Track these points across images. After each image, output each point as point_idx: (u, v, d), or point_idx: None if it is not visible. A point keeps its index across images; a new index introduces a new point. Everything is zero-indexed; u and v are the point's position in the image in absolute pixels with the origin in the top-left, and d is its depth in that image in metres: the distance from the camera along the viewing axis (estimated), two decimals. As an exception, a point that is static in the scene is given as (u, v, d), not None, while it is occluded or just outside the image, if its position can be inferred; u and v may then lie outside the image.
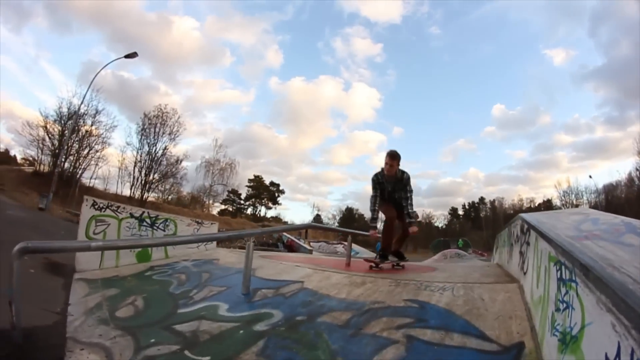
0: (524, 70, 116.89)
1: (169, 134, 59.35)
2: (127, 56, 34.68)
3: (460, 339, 3.73)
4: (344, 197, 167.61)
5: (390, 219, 7.95)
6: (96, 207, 8.08)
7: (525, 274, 4.91)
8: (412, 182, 8.07)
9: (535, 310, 3.79)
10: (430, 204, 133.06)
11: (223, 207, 78.76)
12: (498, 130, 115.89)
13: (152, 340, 4.11)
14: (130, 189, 57.65)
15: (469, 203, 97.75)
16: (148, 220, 8.65)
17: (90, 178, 54.68)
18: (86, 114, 48.62)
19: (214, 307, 4.99)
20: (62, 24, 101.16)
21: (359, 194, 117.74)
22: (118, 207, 8.42)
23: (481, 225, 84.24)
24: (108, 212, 8.20)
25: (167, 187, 62.48)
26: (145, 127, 58.36)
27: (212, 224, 10.11)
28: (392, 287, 5.43)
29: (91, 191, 48.19)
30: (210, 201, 73.39)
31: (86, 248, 4.56)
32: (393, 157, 7.68)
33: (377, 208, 7.93)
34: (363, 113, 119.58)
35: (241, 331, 4.26)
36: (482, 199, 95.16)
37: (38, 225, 16.44)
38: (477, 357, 3.43)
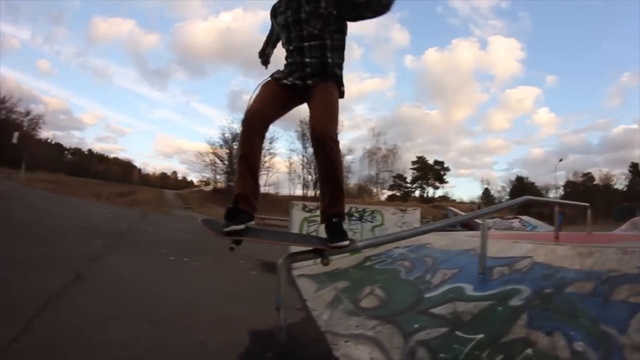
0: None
1: (329, 132, 62.33)
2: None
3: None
4: (509, 165, 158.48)
5: (252, 116, 3.69)
6: (306, 209, 8.75)
7: None
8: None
9: None
10: (605, 161, 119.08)
11: (390, 193, 79.26)
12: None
13: (416, 326, 4.16)
14: (302, 189, 61.76)
15: (652, 155, 79.88)
16: (356, 215, 9.08)
17: (264, 186, 59.58)
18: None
19: (459, 288, 4.97)
20: (197, 71, 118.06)
21: (526, 160, 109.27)
22: (326, 207, 8.85)
23: (672, 183, 71.66)
24: (318, 212, 8.58)
25: (335, 181, 65.42)
26: (304, 131, 61.96)
27: (414, 209, 10.17)
28: (621, 256, 5.11)
29: (267, 197, 52.75)
30: (378, 189, 74.72)
31: (353, 249, 4.84)
32: None
33: (268, 51, 4.66)
34: (509, 68, 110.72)
35: (499, 308, 4.20)
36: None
37: (232, 233, 17.95)
38: None
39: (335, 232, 3.71)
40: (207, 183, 66.79)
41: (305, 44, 3.79)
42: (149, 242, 11.04)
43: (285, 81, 3.83)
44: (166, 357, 3.50)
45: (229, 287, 6.59)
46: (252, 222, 3.69)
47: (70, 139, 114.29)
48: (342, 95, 4.02)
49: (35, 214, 14.52)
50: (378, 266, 7.10)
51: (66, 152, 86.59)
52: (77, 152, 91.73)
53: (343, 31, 3.87)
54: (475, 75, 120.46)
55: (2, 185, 28.29)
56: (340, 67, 3.94)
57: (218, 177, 61.92)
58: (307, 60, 3.81)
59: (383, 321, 4.51)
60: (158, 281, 6.32)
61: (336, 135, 3.64)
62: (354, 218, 9.00)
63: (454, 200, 78.97)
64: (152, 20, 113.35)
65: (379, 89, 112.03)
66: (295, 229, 8.52)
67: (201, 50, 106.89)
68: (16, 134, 46.54)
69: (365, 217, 9.13)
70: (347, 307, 5.29)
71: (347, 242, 3.72)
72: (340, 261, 7.42)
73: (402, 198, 77.16)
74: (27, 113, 70.08)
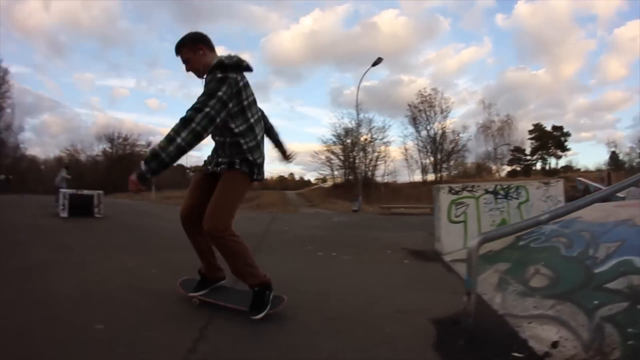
0: None
1: (440, 112, 61.34)
2: (374, 64, 37.54)
3: None
4: (635, 121, 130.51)
5: (184, 215, 4.48)
6: (452, 192, 8.82)
7: None
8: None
9: None
10: None
11: (510, 168, 74.86)
12: None
13: (596, 302, 4.13)
14: (422, 173, 61.62)
15: None
16: (502, 192, 9.01)
17: (383, 175, 60.23)
18: (360, 126, 53.83)
19: (628, 261, 4.79)
20: (294, 77, 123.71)
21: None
22: (473, 186, 9.03)
23: None
24: (464, 193, 8.83)
25: (452, 163, 64.16)
26: (415, 115, 61.63)
27: (557, 181, 9.87)
28: None
29: (388, 186, 53.64)
30: (497, 164, 71.75)
31: (536, 224, 4.86)
32: (178, 48, 4.30)
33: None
34: (611, 2, 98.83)
35: (675, 278, 4.07)
36: None
37: (362, 223, 18.65)
38: None
39: (254, 302, 4.10)
40: (324, 180, 68.50)
41: (215, 138, 4.25)
42: (290, 241, 11.43)
43: (208, 168, 4.37)
44: (358, 352, 3.50)
45: (389, 278, 6.59)
46: (223, 281, 4.70)
47: (189, 159, 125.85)
48: (257, 178, 4.29)
49: (175, 225, 15.85)
50: (533, 245, 6.98)
51: (187, 170, 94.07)
52: (197, 169, 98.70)
53: (231, 130, 4.01)
54: (575, 19, 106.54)
55: (141, 206, 31.90)
56: (243, 159, 4.12)
57: (336, 173, 63.14)
58: (217, 150, 4.32)
59: (560, 300, 4.52)
60: (315, 278, 6.44)
61: (224, 227, 3.98)
62: (499, 196, 8.97)
63: (578, 170, 69.98)
64: (239, 41, 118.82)
65: (477, 57, 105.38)
66: (443, 213, 8.68)
67: (293, 57, 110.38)
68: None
69: (510, 194, 9.03)
70: (517, 288, 5.33)
71: (259, 316, 4.00)
72: (492, 244, 7.36)
73: (524, 172, 70.81)
74: (148, 144, 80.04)
